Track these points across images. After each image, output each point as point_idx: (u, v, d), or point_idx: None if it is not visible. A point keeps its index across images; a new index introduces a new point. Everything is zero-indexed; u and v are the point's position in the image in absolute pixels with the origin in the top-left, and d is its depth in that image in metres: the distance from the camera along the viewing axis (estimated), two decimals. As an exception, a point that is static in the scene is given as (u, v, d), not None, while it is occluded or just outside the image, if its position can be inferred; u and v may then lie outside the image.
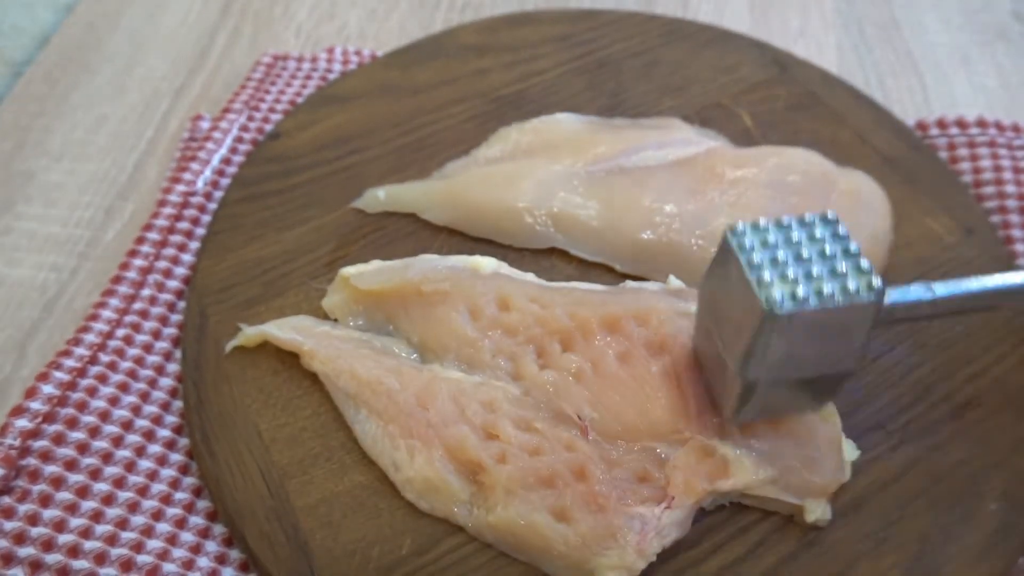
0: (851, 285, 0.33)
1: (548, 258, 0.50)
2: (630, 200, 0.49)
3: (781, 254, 0.34)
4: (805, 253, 0.34)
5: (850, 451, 0.42)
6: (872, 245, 0.48)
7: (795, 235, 0.35)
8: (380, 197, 0.52)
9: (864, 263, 0.34)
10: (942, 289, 0.37)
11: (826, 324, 0.34)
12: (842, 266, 0.34)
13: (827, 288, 0.33)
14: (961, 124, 0.58)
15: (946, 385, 0.45)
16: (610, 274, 0.49)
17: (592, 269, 0.49)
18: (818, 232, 0.35)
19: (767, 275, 0.33)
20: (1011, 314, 0.47)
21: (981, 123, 0.58)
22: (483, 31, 0.63)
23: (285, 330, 0.46)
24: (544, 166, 0.51)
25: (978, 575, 0.39)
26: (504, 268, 0.47)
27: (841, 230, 0.35)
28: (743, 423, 0.40)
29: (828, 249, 0.34)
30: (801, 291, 0.33)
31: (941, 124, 0.58)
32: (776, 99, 0.58)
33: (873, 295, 0.33)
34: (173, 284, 0.51)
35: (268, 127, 0.59)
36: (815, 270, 0.34)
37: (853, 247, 0.34)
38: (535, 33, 0.63)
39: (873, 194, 0.50)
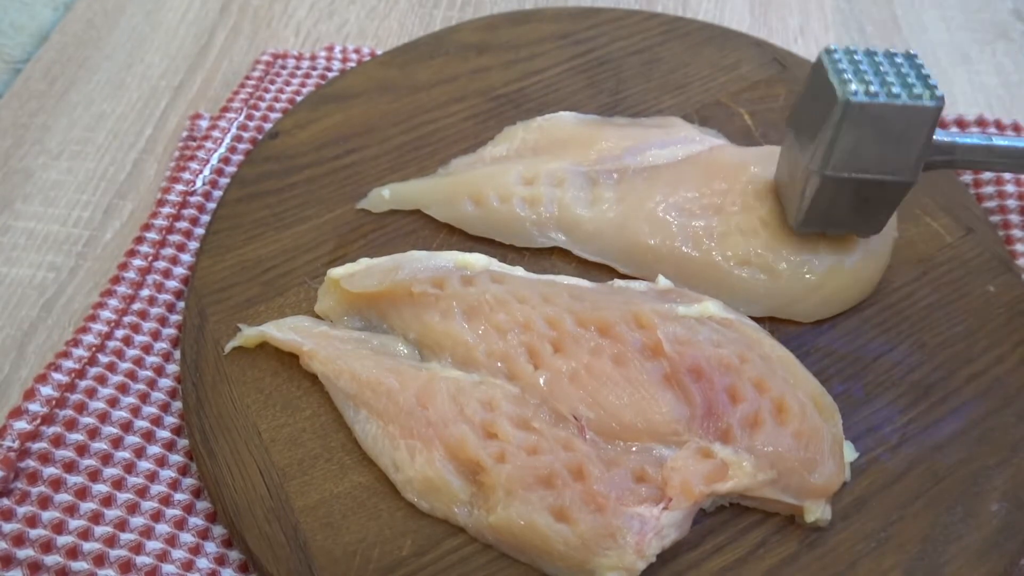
0: (916, 91, 0.40)
1: (548, 258, 0.50)
2: (632, 200, 0.49)
3: (863, 66, 0.41)
4: (884, 68, 0.42)
5: (849, 452, 0.42)
6: (876, 245, 0.48)
7: (880, 59, 0.42)
8: (385, 195, 0.52)
9: (933, 80, 0.41)
10: (1000, 140, 0.44)
11: (892, 120, 0.40)
12: (912, 79, 0.41)
13: (896, 89, 0.40)
14: (960, 123, 0.58)
15: (947, 385, 0.45)
16: (610, 274, 0.49)
17: (592, 269, 0.49)
18: (899, 59, 0.42)
19: (848, 75, 0.41)
20: None
21: (981, 122, 0.58)
22: (483, 29, 0.63)
23: (284, 330, 0.45)
24: (547, 165, 0.51)
25: (979, 575, 0.39)
26: (495, 265, 0.47)
27: (920, 62, 0.42)
28: (806, 231, 0.46)
29: (904, 69, 0.42)
30: (873, 87, 0.40)
31: (941, 124, 0.58)
32: (776, 98, 0.58)
33: (934, 101, 0.40)
34: (172, 284, 0.51)
35: (267, 126, 0.59)
36: (890, 79, 0.41)
37: (926, 71, 0.41)
38: (535, 31, 0.62)
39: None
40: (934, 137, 0.42)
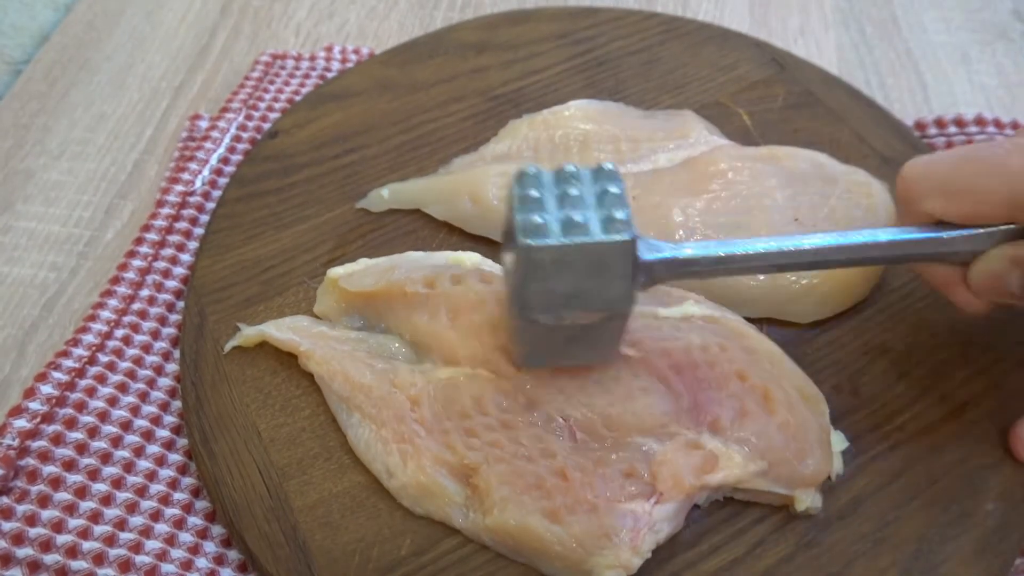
0: (600, 227, 0.35)
1: (547, 258, 0.50)
2: (634, 204, 0.49)
3: (551, 198, 0.36)
4: (573, 195, 0.36)
5: (838, 441, 0.42)
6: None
7: (572, 183, 0.36)
8: (384, 195, 0.52)
9: (620, 213, 0.35)
10: (699, 249, 0.38)
11: (577, 261, 0.35)
12: (602, 211, 0.36)
13: (577, 225, 0.35)
14: (959, 123, 0.58)
15: (943, 385, 0.45)
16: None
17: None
18: (592, 182, 0.37)
19: (528, 215, 0.35)
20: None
21: (979, 121, 0.58)
22: (482, 29, 0.63)
23: (283, 330, 0.46)
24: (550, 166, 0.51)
25: (975, 574, 0.39)
26: (487, 264, 0.47)
27: (612, 186, 0.36)
28: (531, 368, 0.42)
29: (597, 196, 0.36)
30: (553, 228, 0.35)
31: (940, 123, 0.58)
32: (775, 98, 0.58)
33: (624, 236, 0.35)
34: (172, 284, 0.51)
35: (266, 126, 0.59)
36: (576, 214, 0.35)
37: (615, 190, 0.36)
38: (534, 31, 0.63)
39: (877, 193, 0.50)
40: (644, 259, 0.37)
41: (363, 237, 0.51)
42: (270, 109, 0.61)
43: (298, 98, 0.61)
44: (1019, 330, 0.47)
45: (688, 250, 0.38)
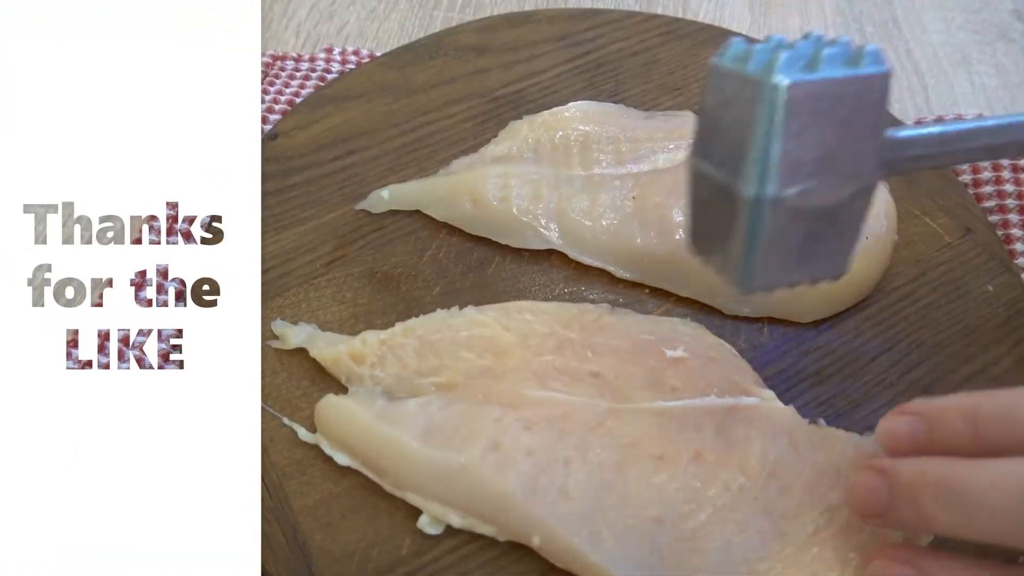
0: (855, 59, 0.31)
1: (547, 258, 0.50)
2: (632, 205, 0.49)
3: (773, 48, 0.31)
4: (807, 43, 0.31)
5: None
6: (874, 244, 0.48)
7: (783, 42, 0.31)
8: (384, 196, 0.52)
9: (870, 45, 0.31)
10: (966, 124, 0.34)
11: (835, 104, 0.30)
12: (848, 48, 0.31)
13: (831, 58, 0.30)
14: (960, 123, 0.58)
15: (944, 385, 0.45)
16: (608, 278, 0.49)
17: (590, 272, 0.49)
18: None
19: (768, 56, 0.30)
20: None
21: (980, 122, 0.58)
22: (482, 31, 0.63)
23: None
24: (550, 167, 0.51)
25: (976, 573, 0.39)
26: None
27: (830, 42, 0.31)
28: (754, 291, 0.33)
29: (831, 41, 0.31)
30: (805, 61, 0.30)
31: (940, 122, 0.58)
32: (775, 98, 0.58)
33: (881, 67, 0.30)
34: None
35: (266, 127, 0.59)
36: (819, 50, 0.30)
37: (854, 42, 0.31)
38: (534, 33, 0.63)
39: (878, 194, 0.50)
40: (888, 135, 0.33)
41: (363, 238, 0.51)
42: (270, 111, 0.61)
43: (298, 100, 0.61)
44: (1019, 330, 0.47)
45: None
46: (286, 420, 0.44)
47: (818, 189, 0.31)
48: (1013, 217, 0.53)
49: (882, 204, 0.49)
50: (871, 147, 0.32)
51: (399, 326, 0.46)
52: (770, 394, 0.42)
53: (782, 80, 0.29)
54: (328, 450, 0.42)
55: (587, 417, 0.41)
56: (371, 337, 0.45)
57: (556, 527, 0.38)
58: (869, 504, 0.35)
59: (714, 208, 0.33)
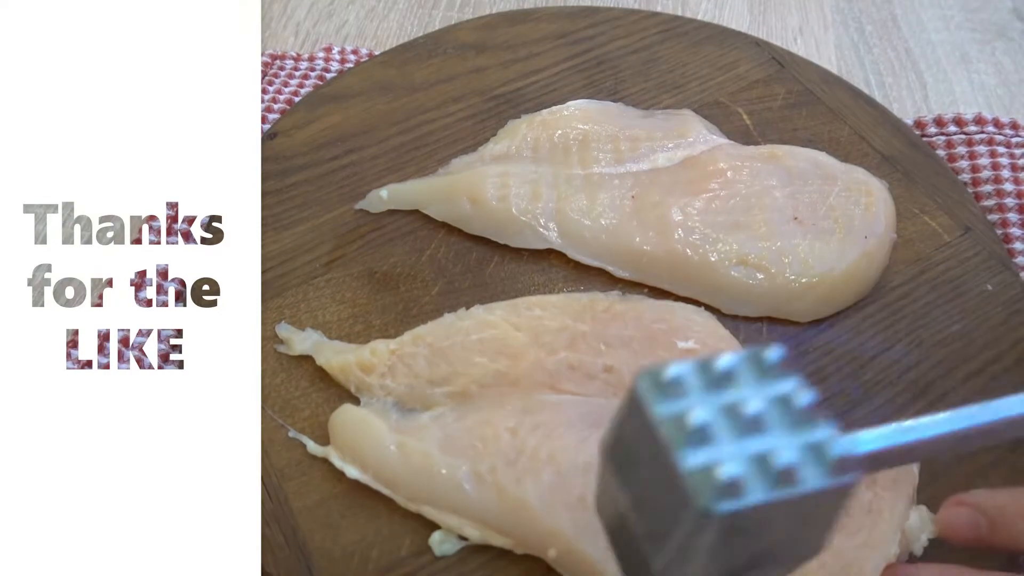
0: (808, 464, 0.24)
1: (546, 258, 0.50)
2: (631, 204, 0.49)
3: (710, 412, 0.25)
4: (744, 412, 0.25)
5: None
6: (874, 244, 0.48)
7: (730, 385, 0.26)
8: (383, 196, 0.52)
9: (822, 432, 0.25)
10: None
11: (784, 516, 0.25)
12: (797, 435, 0.25)
13: (780, 470, 0.24)
14: (959, 122, 0.58)
15: (944, 383, 0.45)
16: (607, 278, 0.49)
17: (589, 271, 0.49)
18: (759, 386, 0.26)
19: (700, 459, 0.24)
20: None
21: (979, 121, 0.58)
22: (481, 29, 0.63)
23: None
24: (549, 166, 0.51)
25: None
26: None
27: (787, 383, 0.26)
28: None
29: (775, 413, 0.25)
30: (739, 473, 0.23)
31: (939, 122, 0.58)
32: (774, 97, 0.58)
33: (845, 477, 0.24)
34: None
35: (265, 127, 0.59)
36: (765, 443, 0.24)
37: (797, 392, 0.26)
38: (533, 31, 0.63)
39: (876, 191, 0.50)
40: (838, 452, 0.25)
41: (362, 238, 0.51)
42: (269, 110, 0.61)
43: (297, 99, 0.61)
44: (1018, 329, 0.47)
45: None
46: (292, 432, 0.44)
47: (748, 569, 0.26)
48: (1012, 216, 0.53)
49: (882, 203, 0.49)
50: (821, 533, 0.26)
51: (408, 334, 0.45)
52: None
53: (717, 509, 0.23)
54: (338, 463, 0.42)
55: (604, 418, 0.41)
56: (380, 347, 0.45)
57: (574, 539, 0.37)
58: None
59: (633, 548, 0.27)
